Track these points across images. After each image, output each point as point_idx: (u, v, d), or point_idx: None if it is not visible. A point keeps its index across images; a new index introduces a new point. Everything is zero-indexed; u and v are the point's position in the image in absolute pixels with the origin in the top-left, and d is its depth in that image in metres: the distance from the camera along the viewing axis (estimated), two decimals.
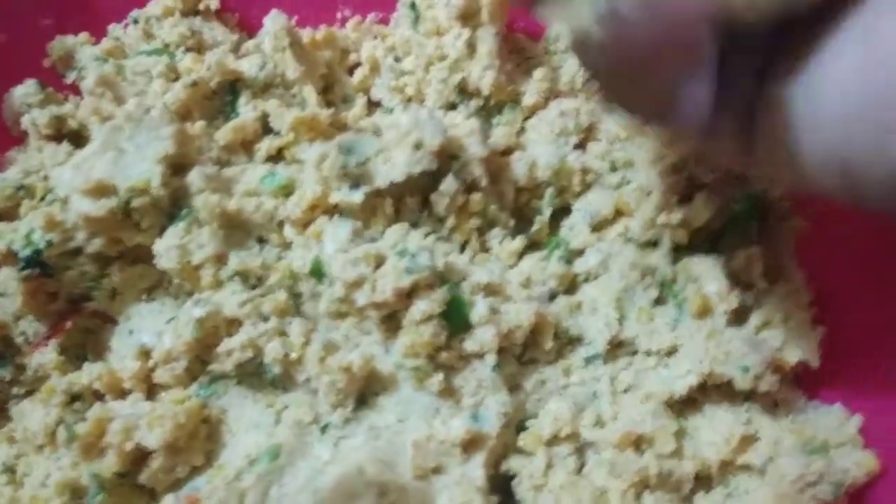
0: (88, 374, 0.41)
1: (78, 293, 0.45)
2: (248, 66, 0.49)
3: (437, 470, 0.38)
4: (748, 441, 0.40)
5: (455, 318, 0.40)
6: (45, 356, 0.43)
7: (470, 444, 0.38)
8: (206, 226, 0.43)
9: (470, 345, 0.40)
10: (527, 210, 0.47)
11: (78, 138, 0.50)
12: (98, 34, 0.54)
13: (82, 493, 0.39)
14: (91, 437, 0.38)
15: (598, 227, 0.46)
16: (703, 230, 0.44)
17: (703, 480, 0.40)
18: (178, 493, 0.39)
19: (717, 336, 0.41)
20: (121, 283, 0.44)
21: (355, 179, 0.42)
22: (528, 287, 0.44)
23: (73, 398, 0.42)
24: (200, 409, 0.40)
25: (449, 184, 0.43)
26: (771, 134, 0.29)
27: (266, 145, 0.48)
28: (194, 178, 0.44)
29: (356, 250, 0.40)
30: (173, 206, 0.43)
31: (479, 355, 0.40)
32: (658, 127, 0.43)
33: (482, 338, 0.40)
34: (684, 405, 0.41)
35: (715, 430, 0.40)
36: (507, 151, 0.49)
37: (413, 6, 0.52)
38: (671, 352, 0.42)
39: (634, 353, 0.43)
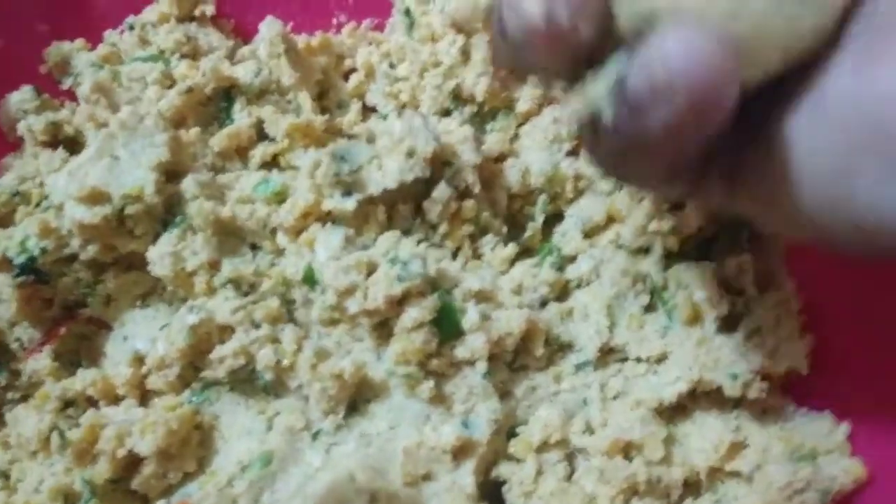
0: (82, 381, 0.42)
1: (72, 299, 0.45)
2: (243, 73, 0.49)
3: (427, 477, 0.38)
4: (737, 448, 0.40)
5: (446, 325, 0.40)
6: (40, 362, 0.44)
7: (460, 451, 0.39)
8: (200, 233, 0.43)
9: (461, 352, 0.40)
10: (519, 216, 0.48)
11: (74, 144, 0.50)
12: (94, 40, 0.54)
13: (75, 498, 0.39)
14: (84, 443, 0.38)
15: (590, 233, 0.46)
16: (695, 237, 0.45)
17: (692, 487, 0.40)
18: (170, 498, 0.39)
19: (707, 343, 0.41)
20: (115, 290, 0.45)
21: (348, 187, 0.43)
22: (520, 294, 0.44)
23: (67, 404, 0.42)
24: (193, 415, 0.40)
25: (442, 191, 0.43)
26: (754, 175, 0.29)
27: (261, 151, 0.48)
28: (188, 185, 0.44)
29: (348, 258, 0.40)
30: (167, 212, 0.44)
31: (470, 362, 0.40)
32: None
33: (473, 345, 0.40)
34: (674, 412, 0.42)
35: (704, 436, 0.40)
36: (501, 158, 0.49)
37: (408, 13, 0.52)
38: (661, 359, 0.42)
39: (624, 359, 0.43)
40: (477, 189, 0.44)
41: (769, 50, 0.25)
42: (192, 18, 0.55)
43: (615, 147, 0.27)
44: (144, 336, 0.43)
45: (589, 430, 0.41)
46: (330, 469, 0.38)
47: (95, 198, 0.41)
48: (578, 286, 0.45)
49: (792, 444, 0.40)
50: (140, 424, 0.38)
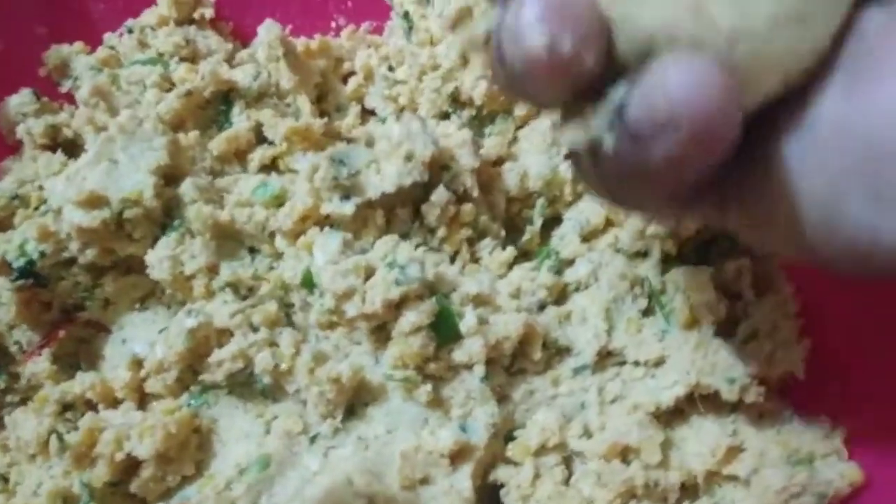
0: (81, 384, 0.42)
1: (71, 303, 0.45)
2: (241, 76, 0.49)
3: (424, 481, 0.38)
4: (734, 452, 0.40)
5: (444, 329, 0.40)
6: (39, 365, 0.44)
7: (458, 455, 0.39)
8: (199, 236, 0.43)
9: (459, 355, 0.40)
10: (518, 220, 0.48)
11: (73, 147, 0.50)
12: (93, 43, 0.55)
13: (74, 501, 0.39)
14: (83, 446, 0.38)
15: (589, 236, 0.46)
16: (692, 241, 0.45)
17: (689, 491, 0.40)
18: (168, 502, 0.39)
19: (705, 347, 0.41)
20: (114, 293, 0.45)
21: (346, 191, 0.43)
22: (518, 297, 0.44)
23: (66, 407, 0.42)
24: (191, 418, 0.40)
25: (440, 195, 0.43)
26: (751, 195, 0.29)
27: (259, 155, 0.49)
28: (187, 188, 0.44)
29: (346, 262, 0.40)
30: (166, 216, 0.44)
31: (468, 366, 0.40)
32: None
33: (471, 349, 0.40)
34: (671, 416, 0.42)
35: (701, 440, 0.40)
36: (499, 161, 0.49)
37: (407, 16, 0.53)
38: (659, 362, 0.42)
39: (622, 363, 0.43)
40: (475, 193, 0.45)
41: (770, 74, 0.24)
42: (190, 21, 0.55)
43: (615, 174, 0.26)
44: (143, 339, 0.43)
45: (587, 433, 0.41)
46: (328, 473, 0.38)
47: (94, 202, 0.41)
48: (576, 290, 0.45)
49: (789, 448, 0.40)
50: (139, 428, 0.38)
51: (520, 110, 0.50)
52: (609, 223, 0.46)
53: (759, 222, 0.29)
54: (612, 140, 0.25)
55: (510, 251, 0.46)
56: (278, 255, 0.44)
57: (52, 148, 0.50)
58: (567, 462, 0.41)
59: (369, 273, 0.40)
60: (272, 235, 0.44)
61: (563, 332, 0.44)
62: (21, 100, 0.51)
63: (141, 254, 0.43)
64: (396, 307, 0.40)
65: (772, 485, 0.38)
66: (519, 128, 0.51)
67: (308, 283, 0.41)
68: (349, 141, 0.51)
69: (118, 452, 0.38)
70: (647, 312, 0.44)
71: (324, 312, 0.41)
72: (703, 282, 0.43)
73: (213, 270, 0.43)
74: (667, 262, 0.44)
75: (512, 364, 0.43)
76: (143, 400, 0.42)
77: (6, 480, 0.41)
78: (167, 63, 0.52)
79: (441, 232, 0.45)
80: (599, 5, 0.24)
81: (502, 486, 0.40)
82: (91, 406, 0.42)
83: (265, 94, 0.50)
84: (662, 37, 0.24)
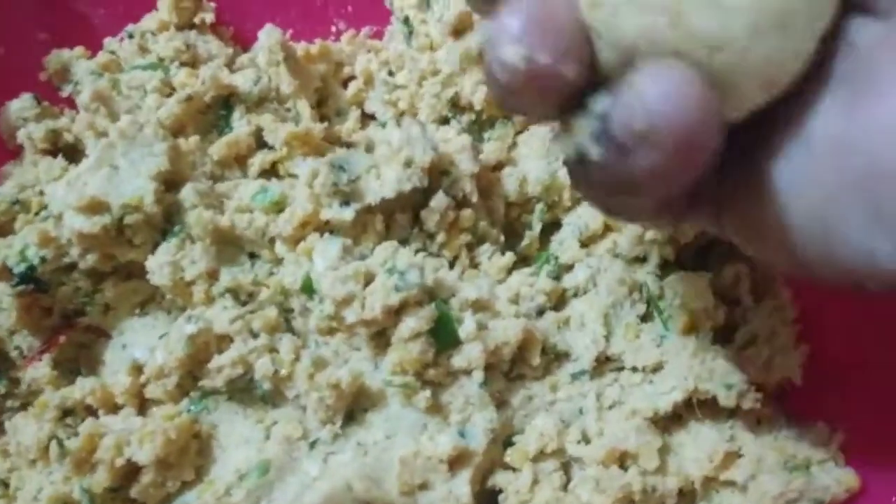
0: (81, 389, 0.42)
1: (72, 308, 0.45)
2: (242, 81, 0.49)
3: (423, 486, 0.38)
4: (731, 458, 0.40)
5: (443, 335, 0.40)
6: (39, 371, 0.44)
7: (456, 461, 0.39)
8: (199, 242, 0.43)
9: (458, 361, 0.40)
10: (517, 225, 0.48)
11: (73, 152, 0.50)
12: (94, 48, 0.55)
13: None
14: (83, 452, 0.38)
15: (587, 242, 0.46)
16: (691, 246, 0.45)
17: (687, 496, 0.40)
18: None
19: (703, 353, 0.42)
20: (114, 299, 0.45)
21: (346, 196, 0.43)
22: (517, 303, 0.44)
23: (66, 413, 0.42)
24: (191, 424, 0.40)
25: (439, 200, 0.44)
26: (744, 203, 0.28)
27: (259, 160, 0.49)
28: (187, 194, 0.44)
29: (346, 268, 0.41)
30: (166, 222, 0.44)
31: (467, 372, 0.40)
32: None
33: (470, 354, 0.40)
34: (669, 421, 0.42)
35: (699, 446, 0.41)
36: (498, 166, 0.49)
37: (407, 21, 0.53)
38: (657, 368, 0.43)
39: (621, 369, 0.43)
40: (475, 198, 0.45)
41: (752, 82, 0.24)
42: (191, 26, 0.55)
43: (605, 185, 0.26)
44: (143, 345, 0.43)
45: (585, 439, 0.41)
46: (327, 478, 0.38)
47: (94, 207, 0.42)
48: (575, 295, 0.46)
49: (785, 454, 0.40)
50: (139, 433, 0.39)
51: (519, 116, 0.50)
52: (608, 228, 0.46)
53: (753, 235, 0.29)
54: (599, 151, 0.25)
55: (509, 256, 0.46)
56: (278, 261, 0.44)
57: (52, 153, 0.50)
58: (565, 468, 0.41)
59: (369, 279, 0.41)
60: (272, 241, 0.44)
61: (562, 337, 0.44)
62: (22, 104, 0.51)
63: (141, 259, 0.43)
64: (396, 313, 0.40)
65: (769, 490, 0.38)
66: (518, 133, 0.51)
67: (308, 288, 0.42)
68: (349, 145, 0.51)
69: (118, 458, 0.38)
70: (645, 318, 0.44)
71: (323, 318, 0.41)
72: (702, 287, 0.43)
73: (213, 276, 0.43)
74: (665, 268, 0.45)
75: (511, 369, 0.43)
76: (143, 405, 0.42)
77: (6, 486, 0.42)
78: (167, 68, 0.52)
79: (440, 237, 0.45)
80: (581, 16, 0.24)
81: (501, 491, 0.40)
82: (91, 411, 0.42)
83: (265, 98, 0.50)
84: (643, 45, 0.24)
